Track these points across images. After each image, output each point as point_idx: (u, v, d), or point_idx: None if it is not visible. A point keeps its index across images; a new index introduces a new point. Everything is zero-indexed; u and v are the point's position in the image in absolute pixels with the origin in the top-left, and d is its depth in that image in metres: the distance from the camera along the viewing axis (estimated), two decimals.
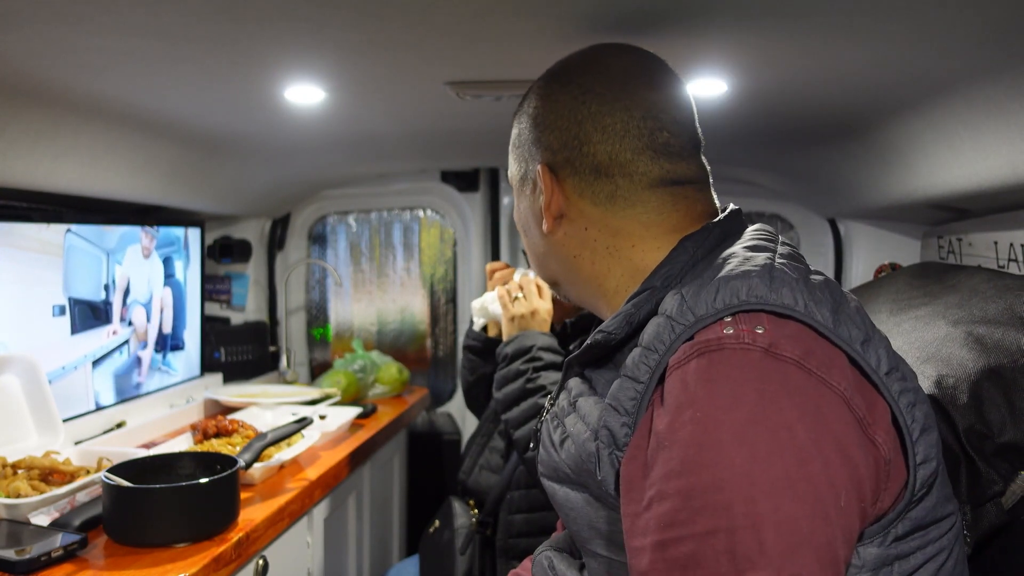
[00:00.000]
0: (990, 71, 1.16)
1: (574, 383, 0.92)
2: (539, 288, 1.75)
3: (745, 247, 0.83)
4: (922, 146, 1.52)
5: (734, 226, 0.89)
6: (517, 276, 1.81)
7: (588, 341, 0.88)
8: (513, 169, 1.02)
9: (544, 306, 1.72)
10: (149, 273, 2.17)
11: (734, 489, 0.66)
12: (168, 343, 2.28)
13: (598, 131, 0.90)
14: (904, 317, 1.31)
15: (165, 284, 2.24)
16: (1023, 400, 0.99)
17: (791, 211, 2.62)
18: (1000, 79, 1.16)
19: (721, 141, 1.98)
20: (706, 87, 1.41)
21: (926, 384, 1.05)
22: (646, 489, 0.72)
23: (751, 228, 0.89)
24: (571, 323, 1.89)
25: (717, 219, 0.89)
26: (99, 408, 1.95)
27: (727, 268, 0.78)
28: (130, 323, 2.09)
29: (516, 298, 1.73)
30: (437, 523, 1.92)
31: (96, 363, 1.98)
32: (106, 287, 1.99)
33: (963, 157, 1.40)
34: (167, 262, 2.25)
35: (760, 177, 2.52)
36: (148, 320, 2.17)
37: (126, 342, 2.08)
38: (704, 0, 0.98)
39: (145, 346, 2.16)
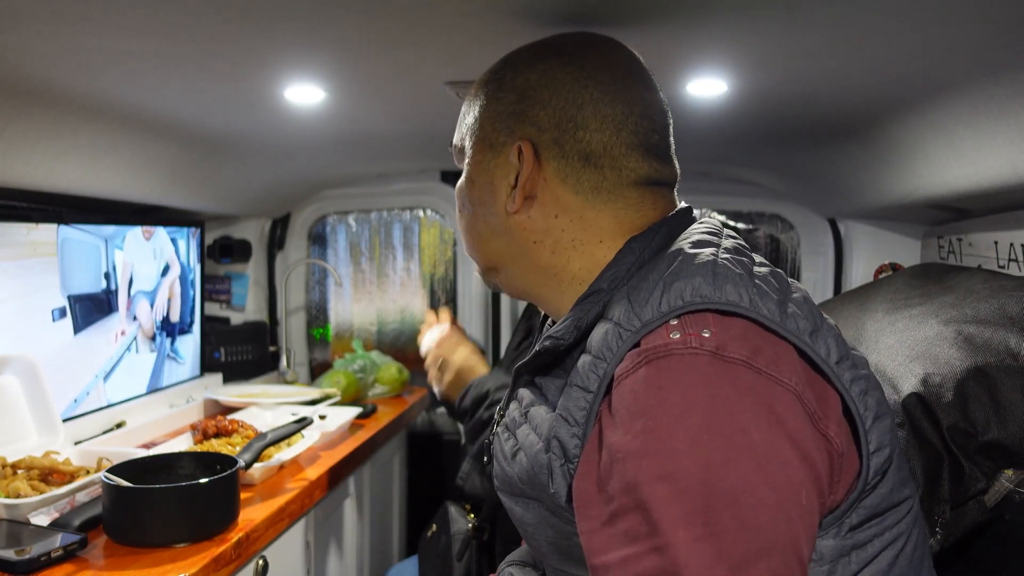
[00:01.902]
0: (990, 71, 1.16)
1: (525, 392, 0.90)
2: (446, 342, 1.82)
3: (689, 243, 0.82)
4: (922, 146, 1.52)
5: (681, 224, 0.89)
6: (424, 343, 1.88)
7: (536, 348, 0.87)
8: (466, 137, 0.95)
9: (461, 354, 1.77)
10: (154, 248, 2.14)
11: (692, 500, 0.65)
12: (176, 329, 2.28)
13: (597, 119, 0.87)
14: (899, 316, 1.31)
15: (167, 272, 2.23)
16: (1008, 399, 0.99)
17: (791, 211, 2.62)
18: (1001, 79, 1.16)
19: (721, 141, 1.98)
20: (706, 87, 1.41)
21: (913, 382, 1.06)
22: (603, 504, 0.70)
23: (696, 223, 0.89)
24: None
25: (664, 218, 0.88)
26: (99, 408, 1.95)
27: (671, 268, 0.77)
28: (135, 318, 2.08)
29: (440, 367, 1.78)
30: (435, 527, 1.92)
31: (110, 374, 1.97)
32: (107, 275, 1.96)
33: (963, 157, 1.40)
34: (173, 242, 2.25)
35: (760, 177, 2.52)
36: (152, 308, 2.15)
37: (134, 339, 2.08)
38: (706, 1, 0.98)
39: (158, 339, 2.16)
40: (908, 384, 1.06)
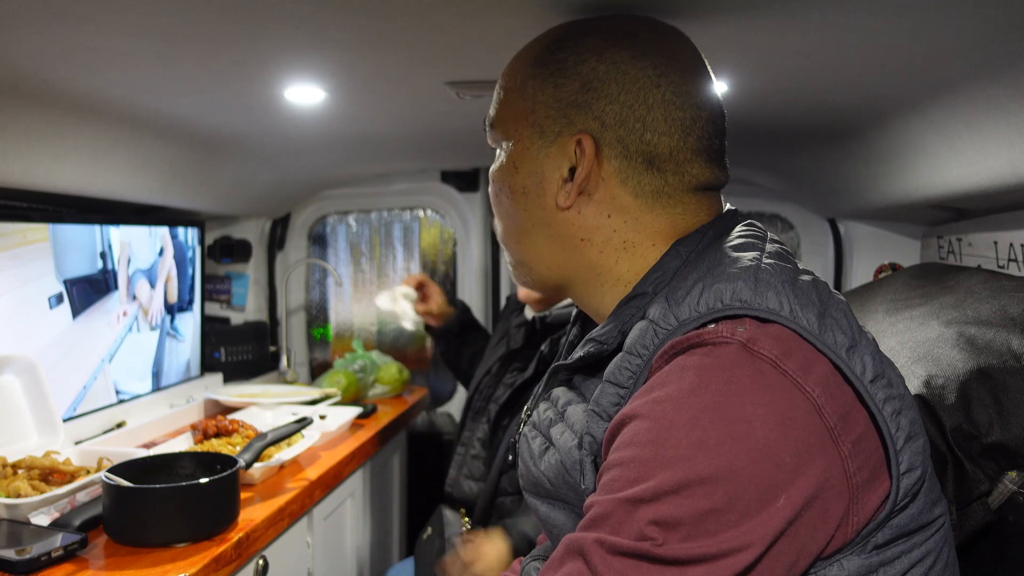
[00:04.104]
0: (990, 71, 1.16)
1: (561, 392, 0.88)
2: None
3: (732, 247, 0.81)
4: (922, 146, 1.52)
5: (728, 227, 0.86)
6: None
7: (580, 352, 0.85)
8: (511, 117, 0.89)
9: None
10: (149, 227, 2.14)
11: (673, 469, 0.65)
12: (175, 307, 2.28)
13: (666, 121, 0.83)
14: (899, 317, 1.31)
15: (163, 252, 2.23)
16: (1011, 401, 0.99)
17: (791, 211, 2.62)
18: (1000, 79, 1.16)
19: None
20: None
21: (915, 384, 1.05)
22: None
23: (740, 225, 0.86)
24: (540, 319, 1.91)
25: (711, 221, 0.86)
26: (106, 406, 1.95)
27: (712, 270, 0.77)
28: (134, 297, 2.07)
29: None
30: (429, 530, 1.93)
31: (114, 356, 1.98)
32: (102, 255, 1.95)
33: (963, 157, 1.40)
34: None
35: (760, 177, 2.52)
36: (151, 287, 2.15)
37: (135, 319, 2.07)
38: (706, 0, 0.98)
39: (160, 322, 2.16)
40: (911, 386, 1.05)
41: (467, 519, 1.86)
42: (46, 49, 1.17)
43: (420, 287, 2.31)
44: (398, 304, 2.28)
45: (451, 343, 2.34)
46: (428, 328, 2.36)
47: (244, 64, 1.28)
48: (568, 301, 1.94)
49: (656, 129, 0.83)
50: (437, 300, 2.31)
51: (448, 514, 1.89)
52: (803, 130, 1.80)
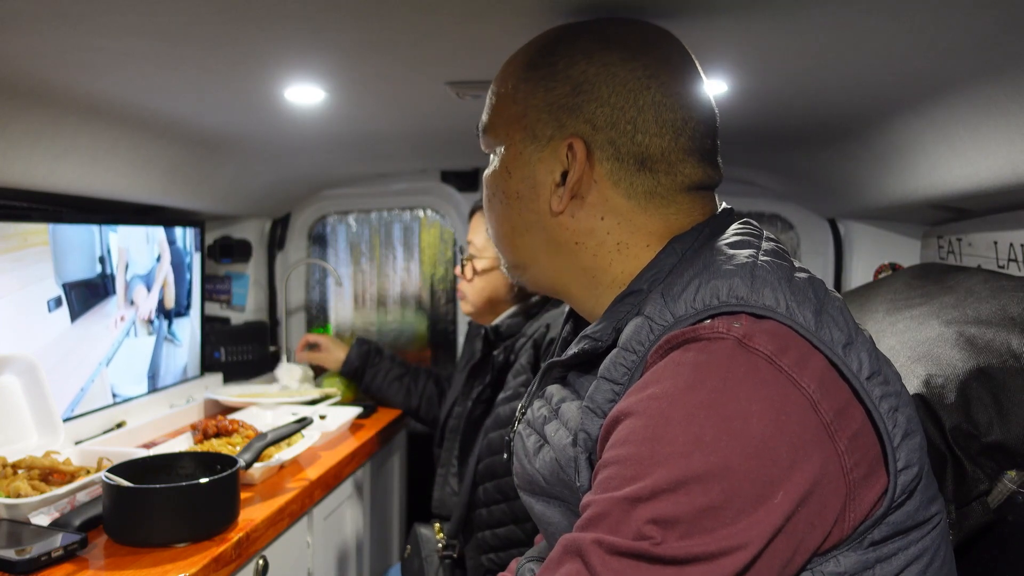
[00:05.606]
0: (990, 71, 1.16)
1: (555, 389, 0.88)
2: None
3: (728, 244, 0.81)
4: (922, 146, 1.52)
5: (723, 225, 0.86)
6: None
7: (574, 349, 0.85)
8: (503, 122, 0.89)
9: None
10: (147, 232, 2.14)
11: (669, 466, 0.65)
12: (172, 312, 2.28)
13: (657, 123, 0.83)
14: (899, 317, 1.31)
15: (161, 258, 2.23)
16: (1011, 400, 0.99)
17: (791, 211, 2.62)
18: (1000, 79, 1.16)
19: (721, 141, 1.98)
20: (706, 87, 1.41)
21: (915, 383, 1.05)
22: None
23: (735, 224, 0.86)
24: (493, 329, 1.91)
25: (707, 219, 0.86)
26: (104, 407, 1.95)
27: (708, 267, 0.77)
28: (132, 302, 2.07)
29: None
30: (409, 548, 1.93)
31: (111, 360, 1.97)
32: (101, 259, 1.95)
33: (963, 157, 1.40)
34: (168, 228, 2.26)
35: (760, 177, 2.52)
36: (149, 292, 2.15)
37: (132, 324, 2.07)
38: (705, 1, 0.98)
39: (157, 323, 2.16)
40: (910, 385, 1.06)
41: (441, 534, 1.86)
42: (46, 49, 1.17)
43: (309, 345, 2.47)
44: (298, 384, 2.48)
45: (363, 378, 2.40)
46: (340, 375, 2.45)
47: (244, 64, 1.28)
48: (515, 309, 1.97)
49: (647, 130, 0.83)
50: (328, 344, 2.45)
51: (423, 531, 1.88)
52: (803, 130, 1.80)
